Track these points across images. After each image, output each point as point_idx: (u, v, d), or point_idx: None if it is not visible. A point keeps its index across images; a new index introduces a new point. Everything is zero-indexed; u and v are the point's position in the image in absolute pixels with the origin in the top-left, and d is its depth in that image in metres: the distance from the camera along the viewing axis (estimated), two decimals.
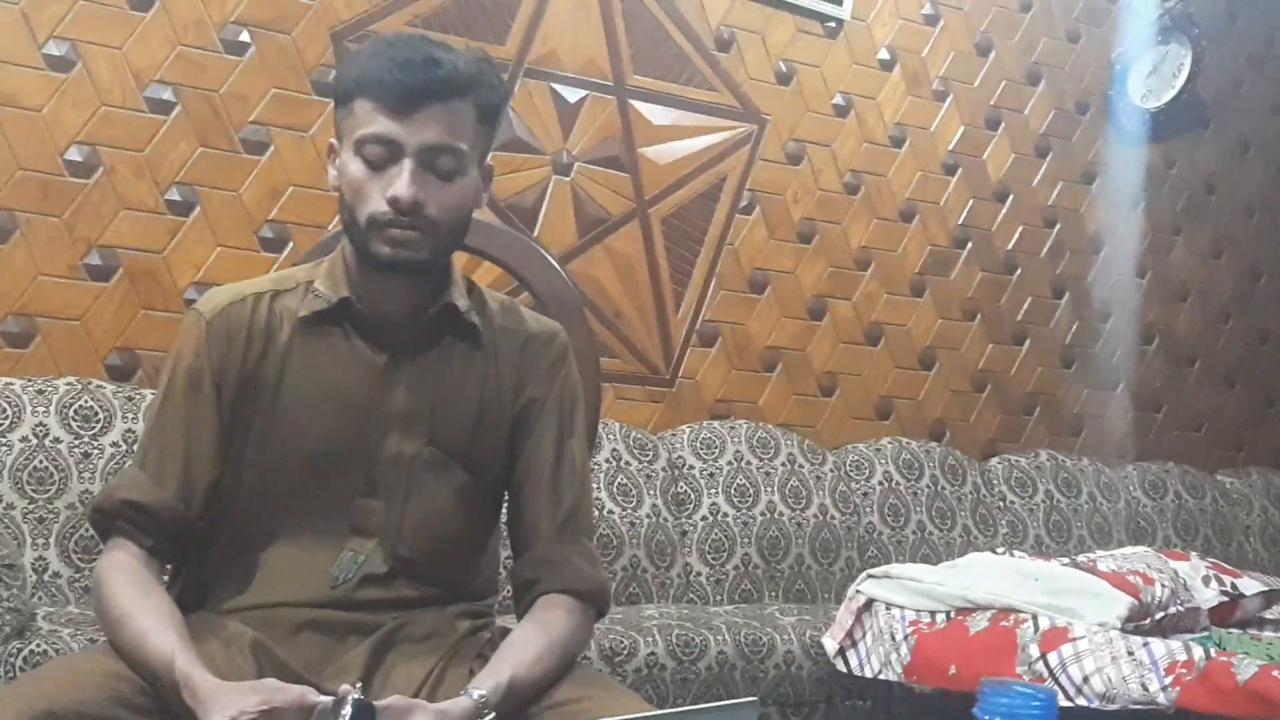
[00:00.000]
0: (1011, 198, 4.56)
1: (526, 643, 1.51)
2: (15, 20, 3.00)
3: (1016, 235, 4.58)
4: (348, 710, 1.32)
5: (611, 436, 3.58)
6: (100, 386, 2.97)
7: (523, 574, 1.64)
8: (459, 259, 1.69)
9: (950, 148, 4.43)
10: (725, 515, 3.66)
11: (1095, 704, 2.58)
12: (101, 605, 1.51)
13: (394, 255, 1.53)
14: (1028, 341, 4.60)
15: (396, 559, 1.59)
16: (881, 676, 2.93)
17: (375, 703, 1.36)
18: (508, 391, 1.66)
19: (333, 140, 1.60)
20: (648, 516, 3.53)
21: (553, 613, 1.57)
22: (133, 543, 1.54)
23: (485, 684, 1.43)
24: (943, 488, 4.10)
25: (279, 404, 1.58)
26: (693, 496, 3.66)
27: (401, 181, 1.50)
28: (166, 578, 1.62)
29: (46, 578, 2.77)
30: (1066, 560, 3.14)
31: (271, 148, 3.31)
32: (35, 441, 2.83)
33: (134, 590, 1.49)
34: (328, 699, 1.34)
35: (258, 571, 1.58)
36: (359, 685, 1.37)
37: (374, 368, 1.60)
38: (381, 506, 1.59)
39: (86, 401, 2.92)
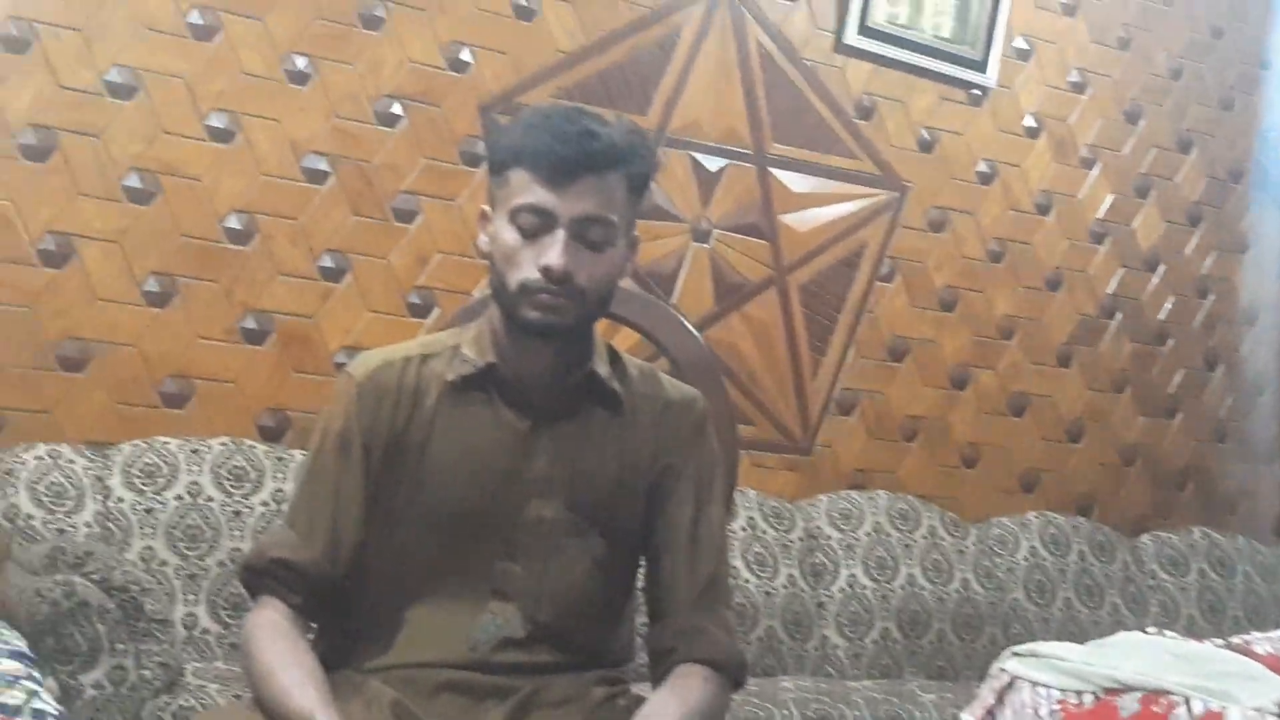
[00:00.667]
0: (1162, 267, 4.45)
1: (664, 711, 1.50)
2: (180, 93, 3.14)
3: (1168, 305, 4.46)
4: None
5: (747, 505, 3.56)
6: (252, 447, 3.05)
7: (660, 642, 1.63)
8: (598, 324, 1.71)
9: (1099, 216, 4.34)
10: (864, 588, 3.61)
11: None
12: (248, 660, 1.54)
13: (541, 320, 1.55)
14: (1180, 414, 4.46)
15: (535, 624, 1.59)
16: None
17: None
18: (646, 458, 1.66)
19: (484, 207, 1.64)
20: (784, 587, 3.50)
21: (690, 682, 1.56)
22: (281, 600, 1.57)
23: None
24: (1090, 565, 3.98)
25: (425, 467, 1.61)
26: (830, 567, 3.61)
27: (554, 252, 1.52)
28: (312, 636, 1.65)
29: (196, 634, 2.84)
30: (1220, 641, 3.01)
31: (420, 216, 3.40)
32: (189, 500, 2.92)
33: (280, 647, 1.52)
34: None
35: (399, 632, 1.59)
36: None
37: (517, 433, 1.62)
38: (521, 571, 1.60)
39: (239, 461, 3.00)
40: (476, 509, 1.60)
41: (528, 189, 1.54)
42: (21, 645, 1.33)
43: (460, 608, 1.59)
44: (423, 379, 1.63)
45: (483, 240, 1.63)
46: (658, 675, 1.61)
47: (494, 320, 1.64)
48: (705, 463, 1.69)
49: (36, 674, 1.27)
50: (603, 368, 1.65)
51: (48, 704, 1.12)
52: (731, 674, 1.61)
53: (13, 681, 1.19)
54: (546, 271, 1.52)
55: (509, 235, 1.56)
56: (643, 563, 1.71)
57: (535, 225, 1.54)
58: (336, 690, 1.50)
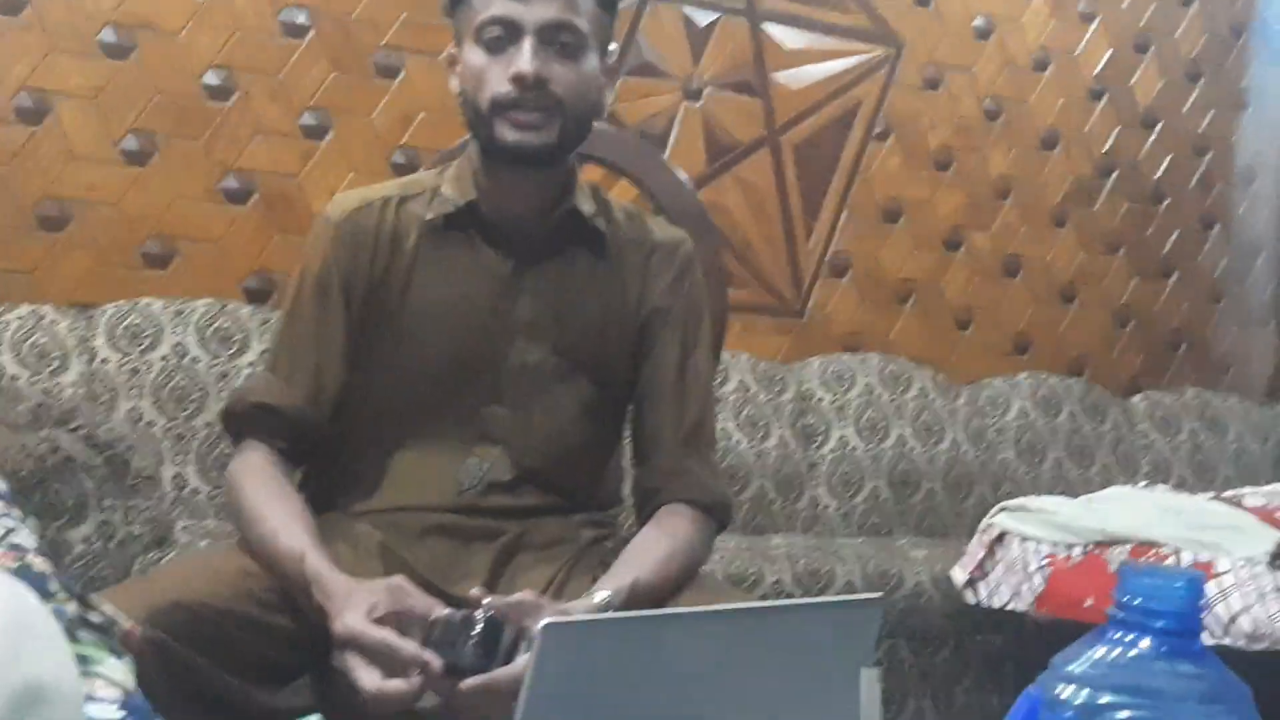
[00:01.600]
0: (1160, 125, 4.38)
1: (649, 549, 1.50)
2: None
3: (1165, 164, 4.39)
4: (479, 626, 1.30)
5: (739, 368, 3.54)
6: (237, 308, 3.02)
7: (645, 483, 1.62)
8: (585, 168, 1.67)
9: (1096, 72, 4.26)
10: (854, 448, 3.61)
11: (1242, 644, 2.48)
12: (234, 504, 1.53)
13: (520, 140, 1.50)
14: (1175, 275, 4.43)
15: (522, 467, 1.58)
16: (1010, 607, 2.86)
17: (506, 599, 1.34)
18: (632, 300, 1.63)
19: (451, 50, 1.59)
20: (775, 448, 3.49)
21: (675, 520, 1.55)
22: (265, 444, 1.55)
23: (608, 586, 1.42)
24: (1082, 425, 3.98)
25: (406, 310, 1.58)
26: (821, 429, 3.61)
27: (523, 57, 1.48)
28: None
29: (185, 493, 2.84)
30: (1211, 495, 3.03)
31: (403, 72, 3.32)
32: (174, 361, 2.90)
33: (266, 489, 1.50)
34: (457, 612, 1.33)
35: (385, 476, 1.58)
36: (487, 602, 1.34)
37: (500, 275, 1.58)
38: (507, 414, 1.58)
39: (224, 323, 2.97)
40: (460, 353, 1.57)
41: (490, 2, 1.51)
42: (2, 486, 1.30)
43: (446, 451, 1.57)
44: (401, 220, 1.60)
45: (453, 83, 1.58)
46: (643, 516, 1.60)
47: (473, 157, 1.59)
48: (692, 306, 1.66)
49: (17, 511, 1.25)
50: (586, 205, 1.60)
51: (26, 538, 1.09)
52: (716, 514, 1.60)
53: None
54: (518, 79, 1.48)
55: (476, 56, 1.52)
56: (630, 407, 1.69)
57: (501, 38, 1.50)
58: (323, 533, 1.49)
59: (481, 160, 1.58)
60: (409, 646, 1.29)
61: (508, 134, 1.50)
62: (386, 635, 1.30)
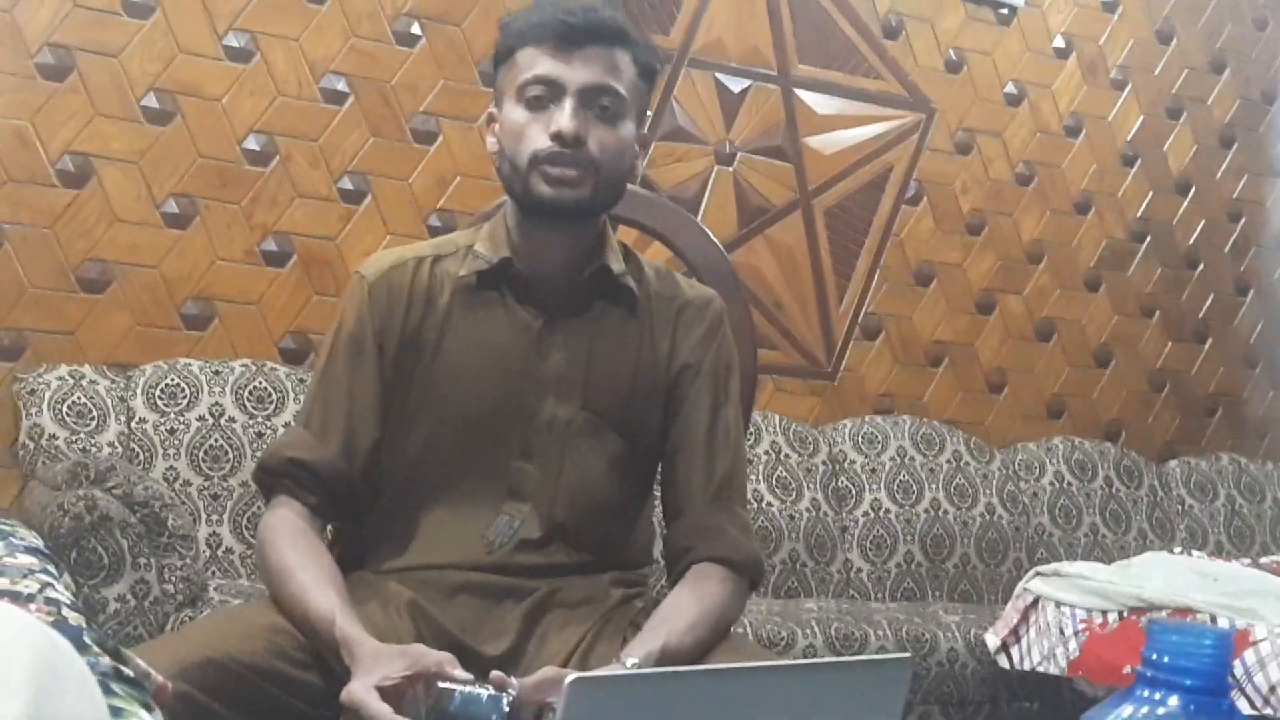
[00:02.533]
0: (1193, 190, 4.38)
1: (679, 611, 1.49)
2: (197, 12, 3.11)
3: (1198, 229, 4.39)
4: (505, 707, 1.29)
5: (771, 429, 3.54)
6: (274, 369, 3.05)
7: (676, 542, 1.61)
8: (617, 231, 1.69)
9: (1129, 138, 4.27)
10: (887, 512, 3.59)
11: None
12: (265, 560, 1.53)
13: (556, 195, 1.52)
14: (1209, 340, 4.41)
15: (551, 524, 1.58)
16: (1042, 669, 2.83)
17: (526, 680, 1.33)
18: (662, 357, 1.64)
19: (491, 109, 1.62)
20: (807, 510, 3.48)
21: (705, 582, 1.55)
22: (296, 500, 1.56)
23: (638, 652, 1.42)
24: (1117, 490, 3.95)
25: (438, 367, 1.59)
26: (854, 492, 3.60)
27: (564, 115, 1.51)
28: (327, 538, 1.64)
29: (220, 553, 2.86)
30: (1247, 561, 3.00)
31: (440, 137, 3.37)
32: (211, 421, 2.93)
33: (297, 547, 1.51)
34: (482, 692, 1.31)
35: (415, 533, 1.58)
36: (512, 685, 1.33)
37: (530, 331, 1.60)
38: (537, 471, 1.59)
39: (260, 383, 3.00)
40: (491, 409, 1.58)
41: (535, 62, 1.54)
42: (38, 542, 1.33)
43: (476, 508, 1.58)
44: (435, 279, 1.62)
45: (490, 142, 1.61)
46: (674, 575, 1.60)
47: (507, 215, 1.62)
48: (722, 362, 1.67)
49: (52, 568, 1.27)
50: (616, 264, 1.62)
51: (61, 593, 1.11)
52: (748, 572, 1.59)
53: (28, 573, 1.19)
54: (557, 136, 1.51)
55: (517, 114, 1.55)
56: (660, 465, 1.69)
57: (544, 97, 1.53)
58: (353, 591, 1.49)
59: (515, 218, 1.60)
60: None
61: (543, 188, 1.52)
62: (383, 711, 1.29)
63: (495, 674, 1.33)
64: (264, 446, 2.91)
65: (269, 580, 1.52)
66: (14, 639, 0.76)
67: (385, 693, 1.31)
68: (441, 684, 1.31)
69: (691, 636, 1.47)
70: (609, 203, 1.60)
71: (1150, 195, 4.31)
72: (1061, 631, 2.86)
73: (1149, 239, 4.30)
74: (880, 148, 3.91)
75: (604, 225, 1.64)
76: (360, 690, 1.31)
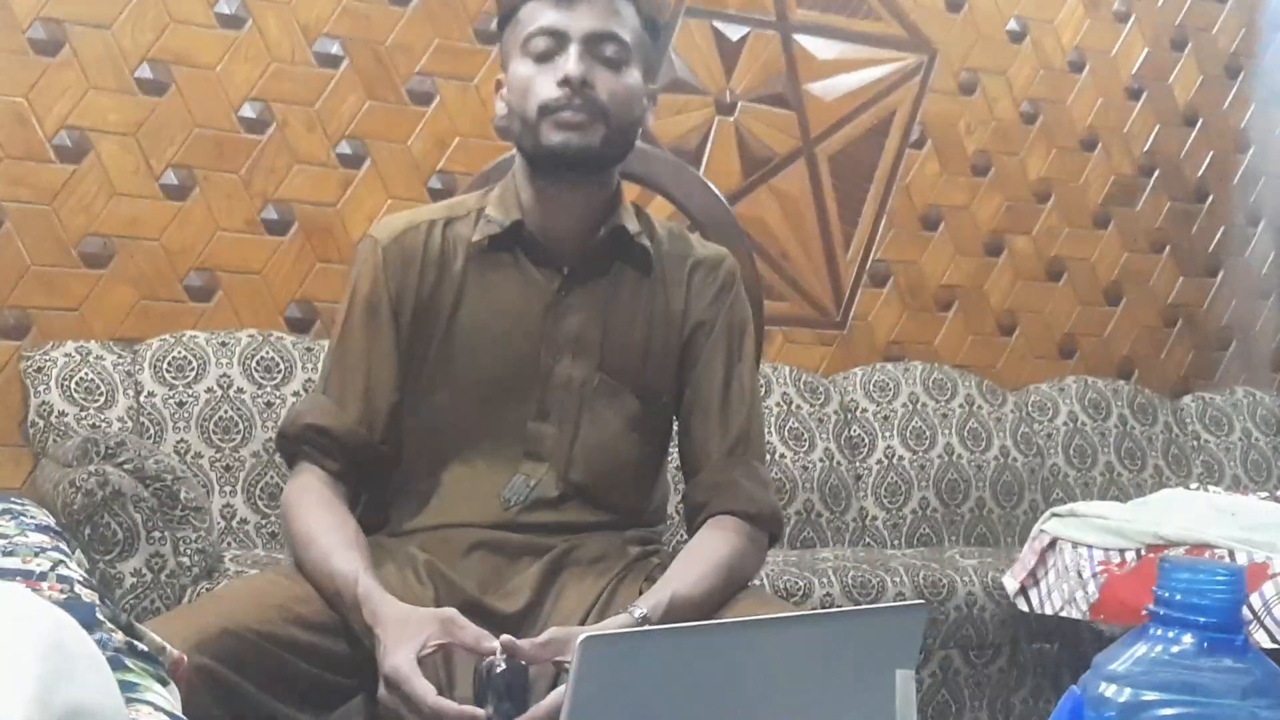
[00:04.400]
0: (1200, 122, 4.33)
1: (690, 562, 1.50)
2: None
3: (1206, 162, 4.35)
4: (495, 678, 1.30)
5: (781, 380, 3.53)
6: (280, 338, 3.04)
7: (693, 498, 1.62)
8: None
9: (1133, 71, 4.23)
10: (901, 458, 3.58)
11: None
12: (288, 526, 1.54)
13: (565, 140, 1.52)
14: (1221, 273, 4.37)
15: (568, 483, 1.58)
16: (1063, 614, 2.83)
17: (532, 640, 1.34)
18: (676, 316, 1.64)
19: (499, 76, 1.62)
20: (820, 460, 3.48)
21: (719, 534, 1.55)
22: (318, 466, 1.57)
23: (646, 602, 1.42)
24: (1132, 427, 3.94)
25: (454, 331, 1.59)
26: (867, 440, 3.59)
27: (569, 61, 1.51)
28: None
29: (234, 524, 2.86)
30: (1264, 494, 2.98)
31: (437, 98, 3.34)
32: (220, 392, 2.92)
33: (320, 511, 1.52)
34: (500, 663, 1.31)
35: (432, 494, 1.59)
36: (504, 646, 1.34)
37: (546, 293, 1.59)
38: (553, 431, 1.59)
39: (268, 353, 2.99)
40: (508, 371, 1.58)
41: (537, 16, 1.54)
42: (49, 521, 1.32)
43: (493, 469, 1.58)
44: (448, 242, 1.61)
45: (499, 106, 1.61)
46: (691, 530, 1.60)
47: (518, 176, 1.61)
48: (735, 320, 1.66)
49: (64, 545, 1.27)
50: (630, 224, 1.61)
51: (74, 570, 1.11)
52: (765, 525, 1.59)
53: (39, 551, 1.18)
54: (564, 83, 1.51)
55: (524, 68, 1.55)
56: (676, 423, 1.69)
57: (549, 48, 1.53)
58: (373, 554, 1.49)
59: (526, 178, 1.59)
60: (452, 710, 1.28)
61: (553, 136, 1.52)
62: (430, 695, 1.29)
63: (505, 638, 1.33)
64: (274, 416, 2.91)
65: (293, 546, 1.53)
66: (23, 620, 0.75)
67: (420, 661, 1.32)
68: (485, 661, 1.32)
69: (703, 587, 1.47)
70: (619, 153, 1.59)
71: (1157, 129, 4.26)
72: (1080, 574, 2.85)
73: (1157, 173, 4.27)
74: (882, 91, 3.87)
75: (618, 185, 1.63)
76: (405, 665, 1.31)
